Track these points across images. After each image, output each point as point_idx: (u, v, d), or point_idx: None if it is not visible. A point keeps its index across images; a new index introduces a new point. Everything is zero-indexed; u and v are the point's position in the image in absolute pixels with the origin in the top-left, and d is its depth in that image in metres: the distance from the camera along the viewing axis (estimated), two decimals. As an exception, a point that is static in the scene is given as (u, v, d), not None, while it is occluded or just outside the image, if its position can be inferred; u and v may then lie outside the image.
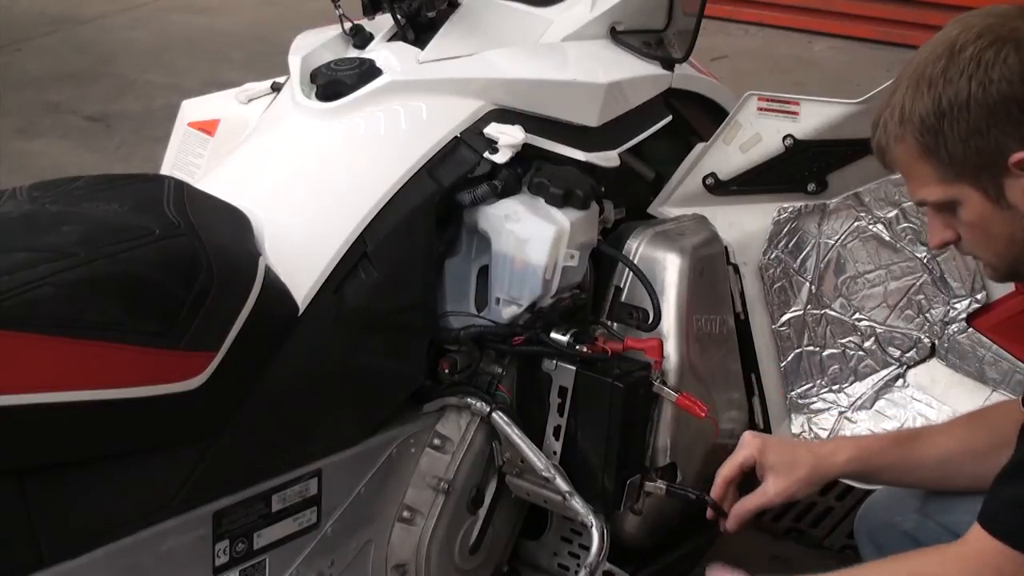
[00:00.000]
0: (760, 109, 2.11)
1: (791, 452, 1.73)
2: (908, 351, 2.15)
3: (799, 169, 2.12)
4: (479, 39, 2.02)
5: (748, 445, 1.75)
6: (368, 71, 1.93)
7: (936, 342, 2.13)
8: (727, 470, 1.76)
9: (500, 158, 1.86)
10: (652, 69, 2.16)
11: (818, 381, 2.20)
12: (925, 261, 2.11)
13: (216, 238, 1.59)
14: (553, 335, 1.87)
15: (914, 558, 1.48)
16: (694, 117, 2.30)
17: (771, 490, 1.72)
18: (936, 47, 1.40)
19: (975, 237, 1.45)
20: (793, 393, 2.20)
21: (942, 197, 1.43)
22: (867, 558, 1.76)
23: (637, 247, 2.00)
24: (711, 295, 2.07)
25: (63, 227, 1.51)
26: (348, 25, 2.07)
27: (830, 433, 2.17)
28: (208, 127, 2.20)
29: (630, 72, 2.12)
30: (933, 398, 2.12)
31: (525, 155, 1.90)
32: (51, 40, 5.97)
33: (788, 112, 2.09)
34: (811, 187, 2.14)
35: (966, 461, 1.67)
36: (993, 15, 1.40)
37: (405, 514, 1.88)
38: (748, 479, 1.77)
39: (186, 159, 2.20)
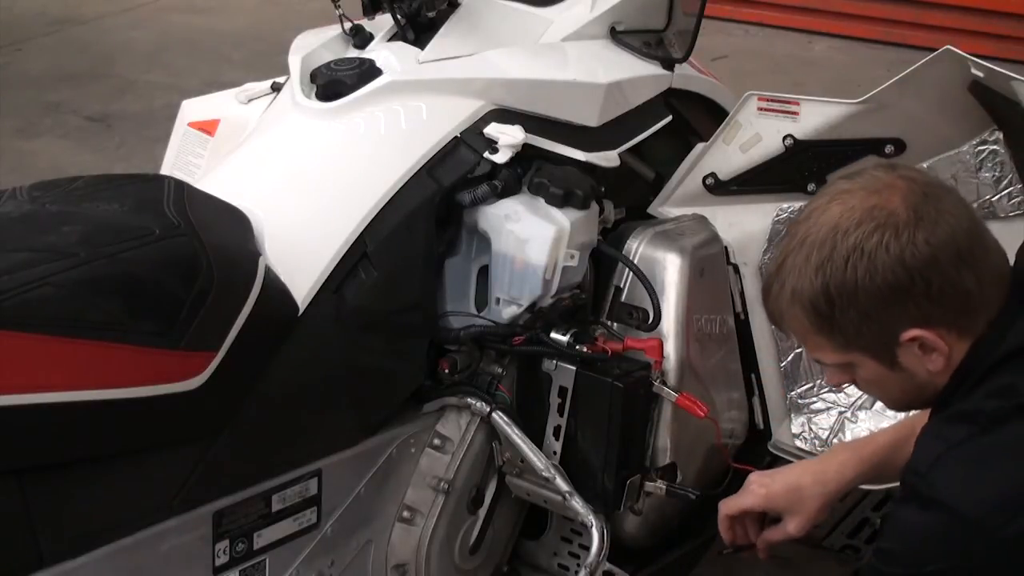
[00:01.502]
0: (760, 109, 2.11)
1: (797, 491, 1.71)
2: (908, 351, 2.14)
3: (799, 169, 2.12)
4: (479, 39, 2.02)
5: (753, 494, 1.73)
6: (368, 71, 1.93)
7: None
8: (730, 509, 1.75)
9: (500, 158, 1.86)
10: (652, 69, 2.16)
11: (818, 381, 2.19)
12: (925, 261, 2.11)
13: (216, 238, 1.59)
14: (553, 335, 1.87)
15: None
16: (694, 117, 2.30)
17: (791, 529, 1.71)
18: (820, 228, 1.41)
19: (871, 389, 1.56)
20: (793, 393, 2.20)
21: (838, 362, 1.48)
22: None
23: (637, 247, 2.00)
24: (711, 295, 2.07)
25: (63, 227, 1.51)
26: (348, 25, 2.07)
27: (830, 433, 2.17)
28: (208, 127, 2.20)
29: (630, 72, 2.12)
30: (933, 398, 2.12)
31: (525, 155, 1.90)
32: (51, 40, 5.97)
33: (788, 112, 2.09)
34: (811, 187, 2.14)
35: None
36: (872, 192, 1.41)
37: (405, 514, 1.88)
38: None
39: (186, 159, 2.20)
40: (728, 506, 1.75)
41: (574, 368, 1.88)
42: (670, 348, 1.95)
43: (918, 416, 1.79)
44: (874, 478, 1.74)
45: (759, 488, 1.73)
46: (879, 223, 1.38)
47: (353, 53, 2.03)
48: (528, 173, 1.90)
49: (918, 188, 1.40)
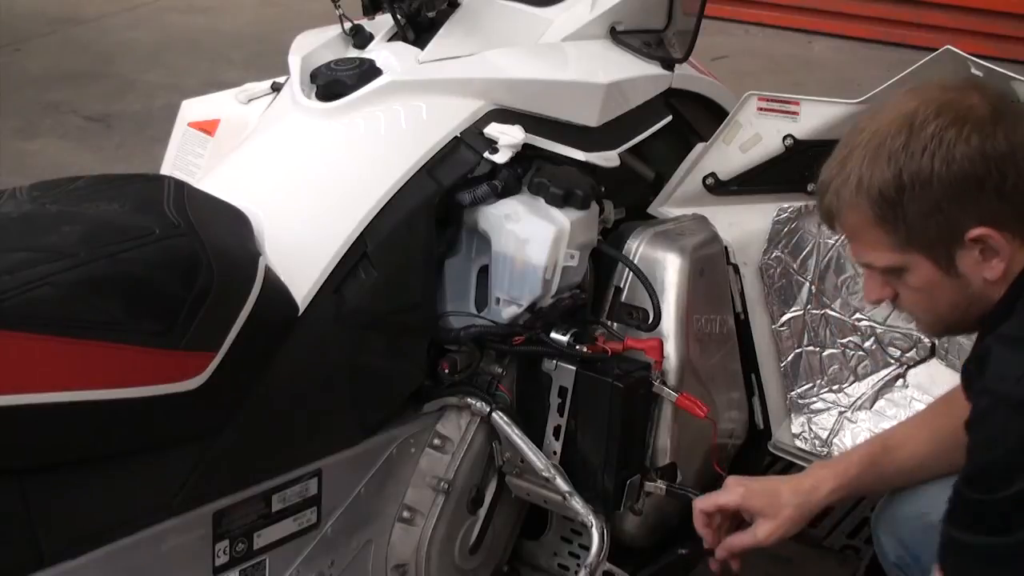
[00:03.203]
0: (760, 109, 2.11)
1: (775, 496, 1.72)
2: (908, 351, 2.15)
3: (799, 169, 2.12)
4: (479, 39, 2.02)
5: (731, 491, 1.74)
6: (368, 71, 1.93)
7: (936, 342, 2.13)
8: (705, 505, 1.76)
9: (500, 158, 1.86)
10: (652, 69, 2.16)
11: (818, 381, 2.20)
12: (925, 261, 2.11)
13: (216, 238, 1.59)
14: (553, 335, 1.87)
15: None
16: (694, 117, 2.30)
17: (760, 533, 1.71)
18: (894, 119, 1.41)
19: (918, 300, 1.49)
20: (793, 393, 2.20)
21: (890, 264, 1.46)
22: (887, 551, 1.75)
23: (637, 247, 2.00)
24: (711, 295, 2.07)
25: (63, 227, 1.51)
26: (348, 25, 2.06)
27: (830, 433, 2.17)
28: (208, 127, 2.20)
29: (630, 72, 2.12)
30: (933, 398, 2.12)
31: (525, 155, 1.90)
32: (51, 40, 5.97)
33: (788, 112, 2.09)
34: (811, 187, 2.13)
35: (938, 461, 1.68)
36: (949, 89, 1.42)
37: (405, 514, 1.88)
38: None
39: (186, 159, 2.20)
40: (704, 502, 1.76)
41: (574, 368, 1.88)
42: (670, 348, 1.95)
43: (891, 433, 1.80)
44: (850, 494, 1.75)
45: (737, 487, 1.74)
46: (958, 115, 1.38)
47: (353, 53, 2.03)
48: (528, 173, 1.90)
49: (993, 93, 1.41)
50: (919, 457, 1.71)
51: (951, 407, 1.69)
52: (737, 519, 1.76)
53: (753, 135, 2.13)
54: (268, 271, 1.65)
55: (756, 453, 2.20)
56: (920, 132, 1.38)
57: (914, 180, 1.38)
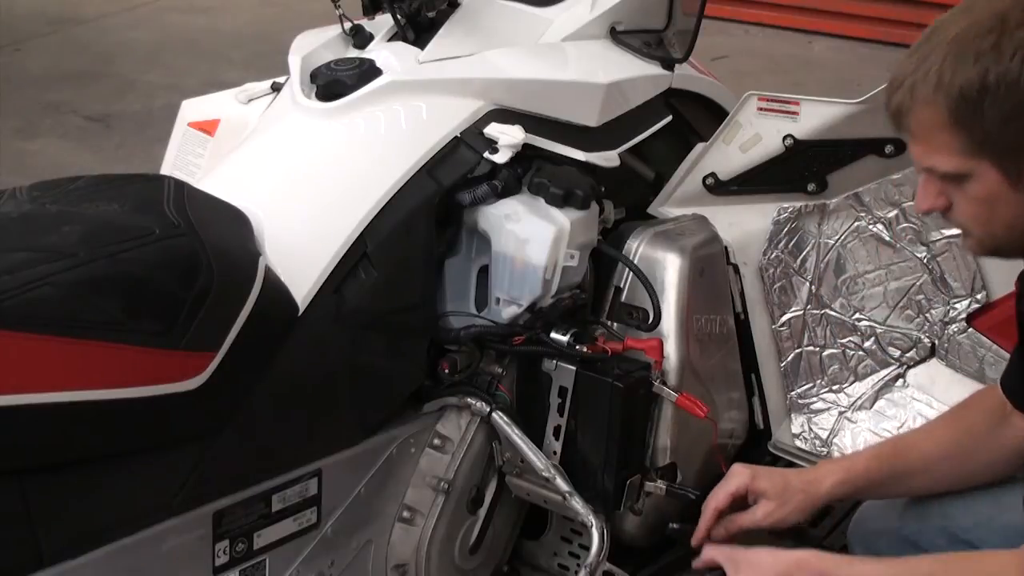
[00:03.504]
0: (760, 109, 2.11)
1: (782, 480, 1.71)
2: (908, 351, 2.15)
3: (799, 169, 2.12)
4: (479, 39, 2.02)
5: (739, 475, 1.73)
6: (368, 71, 1.93)
7: (936, 342, 2.13)
8: (718, 501, 1.73)
9: (500, 158, 1.86)
10: (652, 69, 2.16)
11: (818, 381, 2.20)
12: (925, 261, 2.11)
13: (216, 238, 1.59)
14: (553, 335, 1.87)
15: (971, 560, 1.47)
16: (694, 117, 2.30)
17: (760, 513, 1.71)
18: (983, 19, 1.34)
19: (975, 212, 1.42)
20: (793, 393, 2.20)
21: (958, 169, 1.39)
22: None
23: (637, 247, 2.01)
24: (711, 295, 2.07)
25: (63, 227, 1.51)
26: (348, 25, 2.06)
27: (830, 433, 2.17)
28: (208, 127, 2.20)
29: (630, 72, 2.12)
30: (933, 398, 2.12)
31: (525, 155, 1.90)
32: (51, 40, 5.97)
33: (788, 112, 2.09)
34: (811, 187, 2.14)
35: (948, 466, 1.68)
36: None
37: (405, 514, 1.88)
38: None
39: (186, 159, 2.20)
40: (716, 498, 1.73)
41: (574, 368, 1.88)
42: (670, 348, 1.96)
43: (903, 435, 1.80)
44: (857, 489, 1.74)
45: (744, 470, 1.73)
46: None
47: (353, 53, 2.03)
48: (528, 173, 1.90)
49: None
50: (929, 459, 1.70)
51: (966, 418, 1.69)
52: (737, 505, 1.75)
53: (753, 135, 2.13)
54: (268, 271, 1.65)
55: (756, 453, 2.20)
56: (1014, 33, 1.32)
57: (1000, 82, 1.31)
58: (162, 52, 5.79)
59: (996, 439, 1.66)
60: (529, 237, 1.83)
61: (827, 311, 2.18)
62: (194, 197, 1.68)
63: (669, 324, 1.96)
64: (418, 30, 2.01)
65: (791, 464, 2.16)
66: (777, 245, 2.17)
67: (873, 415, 2.16)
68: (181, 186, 1.70)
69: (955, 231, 2.06)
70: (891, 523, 1.74)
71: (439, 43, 1.99)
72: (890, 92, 1.42)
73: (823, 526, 2.21)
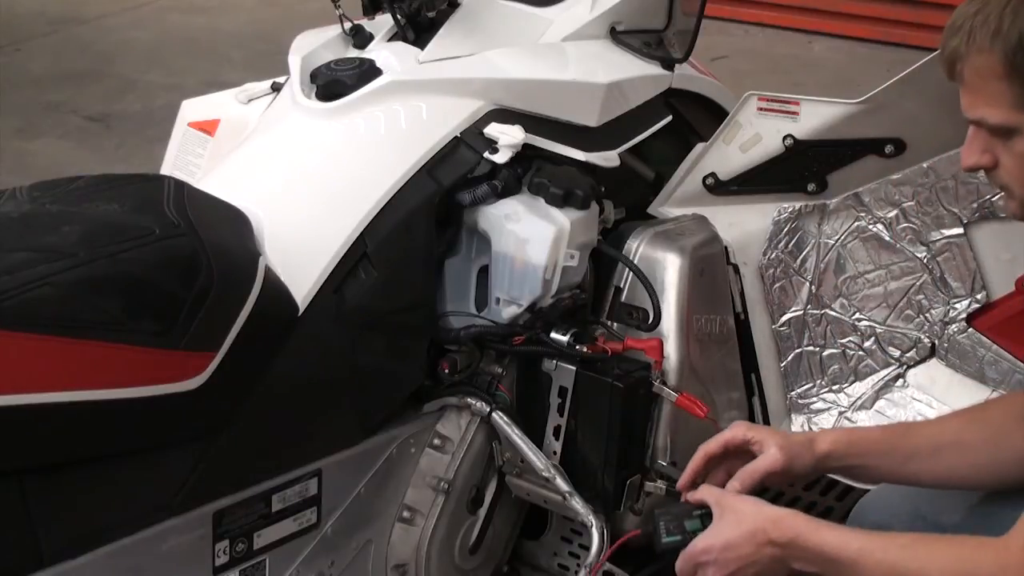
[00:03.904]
0: (760, 109, 2.11)
1: (783, 434, 1.67)
2: (908, 351, 2.15)
3: (799, 169, 2.12)
4: (479, 39, 2.02)
5: (737, 426, 1.68)
6: (368, 71, 1.93)
7: (936, 342, 2.13)
8: (709, 447, 1.67)
9: (500, 158, 1.86)
10: (652, 69, 2.16)
11: (818, 381, 2.20)
12: (925, 261, 2.11)
13: (216, 238, 1.59)
14: (553, 335, 1.87)
15: (950, 541, 1.44)
16: (694, 117, 2.30)
17: (766, 461, 1.61)
18: None
19: (1021, 170, 1.39)
20: (793, 393, 2.20)
21: (1007, 122, 1.36)
22: None
23: (637, 247, 2.00)
24: (711, 295, 2.07)
25: (63, 227, 1.51)
26: (348, 25, 2.07)
27: (830, 433, 2.17)
28: (208, 127, 2.21)
29: (630, 72, 2.12)
30: (933, 398, 2.12)
31: (525, 155, 1.90)
32: (51, 40, 5.97)
33: (788, 112, 2.09)
34: (811, 187, 2.14)
35: (959, 454, 1.64)
36: None
37: (405, 514, 1.88)
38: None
39: (186, 159, 2.20)
40: (709, 445, 1.68)
41: (574, 368, 1.88)
42: (670, 348, 1.95)
43: (911, 422, 1.78)
44: (859, 455, 1.66)
45: (742, 423, 1.69)
46: None
47: (353, 53, 2.03)
48: (528, 173, 1.90)
49: None
50: (939, 443, 1.64)
51: (985, 414, 1.67)
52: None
53: (753, 135, 2.13)
54: (268, 271, 1.65)
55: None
56: None
57: None
58: (162, 52, 5.79)
59: (1011, 440, 1.64)
60: (529, 237, 1.83)
61: (827, 311, 2.18)
62: (194, 197, 1.69)
63: (669, 324, 1.96)
64: (418, 30, 2.01)
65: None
66: (777, 245, 2.17)
67: (873, 415, 2.15)
68: (181, 186, 1.70)
69: (956, 231, 2.06)
70: (887, 518, 1.73)
71: (439, 43, 1.99)
72: (945, 38, 1.39)
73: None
